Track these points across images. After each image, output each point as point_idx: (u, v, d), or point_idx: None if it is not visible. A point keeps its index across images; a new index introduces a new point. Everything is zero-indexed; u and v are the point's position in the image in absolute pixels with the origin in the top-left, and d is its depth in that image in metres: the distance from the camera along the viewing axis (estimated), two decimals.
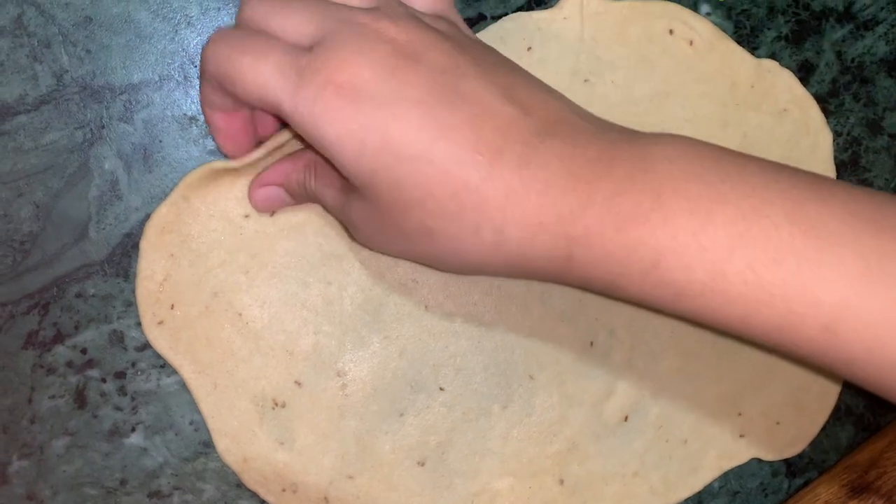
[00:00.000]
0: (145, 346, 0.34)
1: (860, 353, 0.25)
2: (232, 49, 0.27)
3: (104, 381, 0.34)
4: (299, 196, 0.32)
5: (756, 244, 0.25)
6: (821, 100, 0.37)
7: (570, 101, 0.29)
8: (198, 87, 0.34)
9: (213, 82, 0.29)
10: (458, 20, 0.31)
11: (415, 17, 0.28)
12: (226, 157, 0.33)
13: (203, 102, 0.31)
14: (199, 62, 0.34)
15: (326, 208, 0.32)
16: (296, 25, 0.27)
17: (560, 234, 0.26)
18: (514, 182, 0.26)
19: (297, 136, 0.32)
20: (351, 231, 0.31)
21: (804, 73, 0.37)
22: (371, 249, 0.33)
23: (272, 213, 0.33)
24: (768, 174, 0.26)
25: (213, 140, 0.32)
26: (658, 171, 0.26)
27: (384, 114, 0.26)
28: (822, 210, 0.25)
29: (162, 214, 0.33)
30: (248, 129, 0.31)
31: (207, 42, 0.29)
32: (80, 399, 0.34)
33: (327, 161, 0.29)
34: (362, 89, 0.26)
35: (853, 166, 0.37)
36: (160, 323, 0.33)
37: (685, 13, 0.35)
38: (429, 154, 0.26)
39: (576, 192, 0.26)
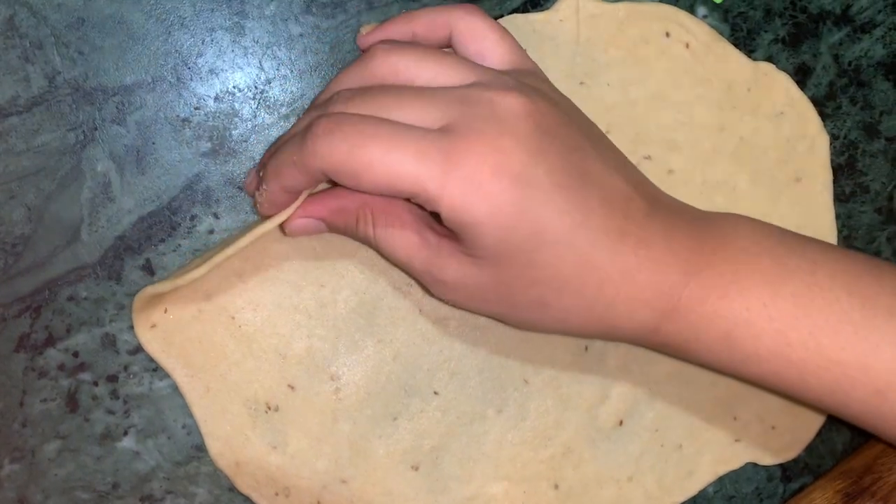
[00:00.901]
0: (137, 349, 0.33)
1: None
2: (354, 143, 0.26)
3: (96, 384, 0.33)
4: (340, 232, 0.31)
5: (819, 314, 0.28)
6: (818, 103, 0.36)
7: (640, 171, 0.31)
8: (191, 89, 0.33)
9: (320, 176, 0.27)
10: (534, 66, 0.31)
11: (523, 84, 0.28)
12: (257, 215, 0.31)
13: (280, 188, 0.28)
14: (194, 63, 0.34)
15: (387, 256, 0.30)
16: (416, 110, 0.27)
17: (657, 309, 0.28)
18: (631, 262, 0.28)
19: None
20: (431, 285, 0.30)
21: (801, 76, 0.37)
22: (451, 304, 0.32)
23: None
24: (828, 253, 0.29)
25: (256, 207, 0.30)
26: (736, 248, 0.29)
27: (539, 201, 0.26)
28: (875, 286, 0.28)
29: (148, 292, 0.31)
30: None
31: (313, 137, 0.26)
32: (72, 403, 0.33)
33: (405, 217, 0.29)
34: (518, 172, 0.26)
35: (850, 170, 0.37)
36: (153, 326, 0.33)
37: (681, 15, 0.35)
38: (570, 239, 0.27)
39: (676, 270, 0.28)
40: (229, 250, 0.30)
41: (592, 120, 0.34)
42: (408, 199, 0.27)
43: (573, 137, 0.28)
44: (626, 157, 0.31)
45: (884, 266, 0.30)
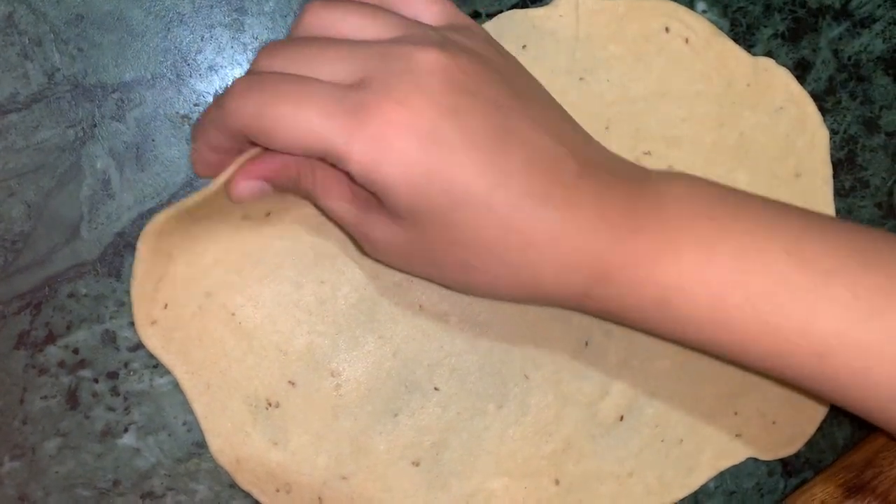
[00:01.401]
0: (138, 346, 0.33)
1: (849, 381, 0.27)
2: (263, 101, 0.26)
3: (96, 381, 0.33)
4: (286, 191, 0.30)
5: (755, 277, 0.27)
6: (817, 98, 0.36)
7: (586, 133, 0.30)
8: (190, 85, 0.33)
9: (238, 135, 0.27)
10: (471, 23, 0.30)
11: (449, 40, 0.27)
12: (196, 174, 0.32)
13: (206, 146, 0.29)
14: (194, 59, 0.34)
15: (326, 212, 0.30)
16: (333, 64, 0.26)
17: (586, 274, 0.28)
18: (557, 225, 0.27)
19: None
20: (362, 244, 0.30)
21: (801, 71, 0.37)
22: (383, 264, 0.32)
23: (268, 214, 0.33)
24: (770, 211, 0.28)
25: (192, 165, 0.31)
26: (670, 211, 0.28)
27: (449, 160, 0.25)
28: (817, 247, 0.27)
29: (161, 216, 0.32)
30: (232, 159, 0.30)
31: (228, 95, 0.27)
32: (73, 399, 0.33)
33: (340, 173, 0.28)
34: (427, 131, 0.25)
35: (850, 164, 0.37)
36: (153, 323, 0.33)
37: (681, 11, 0.35)
38: (487, 201, 0.26)
39: (605, 234, 0.27)
40: (179, 205, 0.30)
41: (592, 116, 0.34)
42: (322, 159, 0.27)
43: (497, 95, 0.27)
44: (565, 118, 0.29)
45: (832, 225, 0.28)
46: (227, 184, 0.30)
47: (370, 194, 0.28)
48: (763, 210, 0.28)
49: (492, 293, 0.30)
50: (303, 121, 0.25)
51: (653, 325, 0.29)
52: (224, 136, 0.28)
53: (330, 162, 0.26)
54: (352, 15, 0.28)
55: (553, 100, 0.30)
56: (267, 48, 0.28)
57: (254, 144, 0.28)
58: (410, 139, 0.25)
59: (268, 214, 0.33)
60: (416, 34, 0.27)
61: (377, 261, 0.31)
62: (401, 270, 0.32)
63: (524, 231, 0.27)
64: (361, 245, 0.30)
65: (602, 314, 0.30)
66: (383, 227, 0.28)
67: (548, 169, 0.27)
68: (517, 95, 0.27)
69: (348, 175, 0.26)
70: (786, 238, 0.27)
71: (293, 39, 0.28)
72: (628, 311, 0.28)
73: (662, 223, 0.27)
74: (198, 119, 0.30)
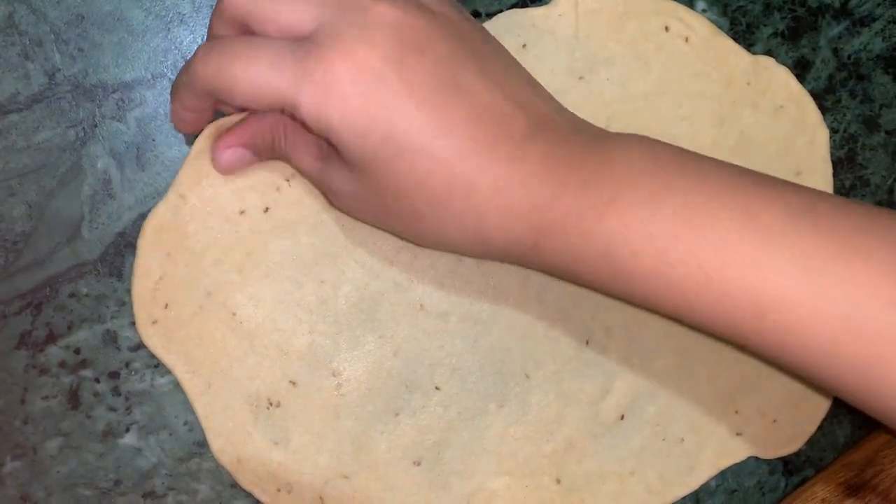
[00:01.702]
0: (139, 345, 0.33)
1: (787, 340, 0.27)
2: (220, 60, 0.27)
3: (98, 381, 0.33)
4: (265, 156, 0.32)
5: (699, 232, 0.27)
6: (817, 97, 0.36)
7: (551, 97, 0.30)
8: None
9: (205, 95, 0.29)
10: None
11: None
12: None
13: (180, 106, 0.30)
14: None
15: (298, 170, 0.32)
16: (289, 13, 0.27)
17: (531, 224, 0.28)
18: (501, 175, 0.28)
19: None
20: (327, 195, 0.31)
21: (800, 70, 0.37)
22: (347, 215, 0.33)
23: (266, 210, 0.33)
24: (721, 171, 0.28)
25: (173, 123, 0.31)
26: (618, 168, 0.28)
27: (390, 107, 0.27)
28: (763, 206, 0.27)
29: (160, 213, 0.33)
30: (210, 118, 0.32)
31: (192, 59, 0.28)
32: (74, 399, 0.33)
33: (302, 125, 0.29)
34: (370, 80, 0.26)
35: (850, 163, 0.37)
36: (154, 322, 0.33)
37: (681, 10, 0.35)
38: (430, 149, 0.27)
39: (549, 186, 0.28)
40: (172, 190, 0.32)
41: (592, 115, 0.34)
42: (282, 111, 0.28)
43: (448, 52, 0.27)
44: (525, 81, 0.30)
45: (781, 187, 0.28)
46: (212, 158, 0.31)
47: (330, 147, 0.29)
48: (715, 170, 0.28)
49: (442, 243, 0.30)
50: (256, 74, 0.27)
51: (601, 280, 0.29)
52: (193, 96, 0.29)
53: (289, 113, 0.28)
54: None
55: (516, 64, 0.30)
56: (222, 4, 0.29)
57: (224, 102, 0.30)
58: (354, 86, 0.26)
59: (266, 210, 0.33)
60: None
61: (341, 211, 0.32)
62: (362, 221, 0.33)
63: (468, 178, 0.27)
64: (327, 197, 0.31)
65: (551, 269, 0.30)
66: (341, 177, 0.29)
67: (495, 123, 0.28)
68: (472, 54, 0.28)
69: (304, 125, 0.28)
70: (733, 196, 0.27)
71: None
72: (575, 265, 0.29)
73: (609, 178, 0.28)
74: (173, 81, 0.31)
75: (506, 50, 0.30)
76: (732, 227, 0.27)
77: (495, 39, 0.30)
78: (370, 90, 0.26)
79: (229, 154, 0.31)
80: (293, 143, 0.31)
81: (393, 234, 0.33)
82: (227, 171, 0.32)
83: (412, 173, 0.27)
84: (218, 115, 0.34)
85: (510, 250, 0.29)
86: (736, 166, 0.29)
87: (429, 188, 0.28)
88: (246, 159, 0.32)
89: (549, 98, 0.30)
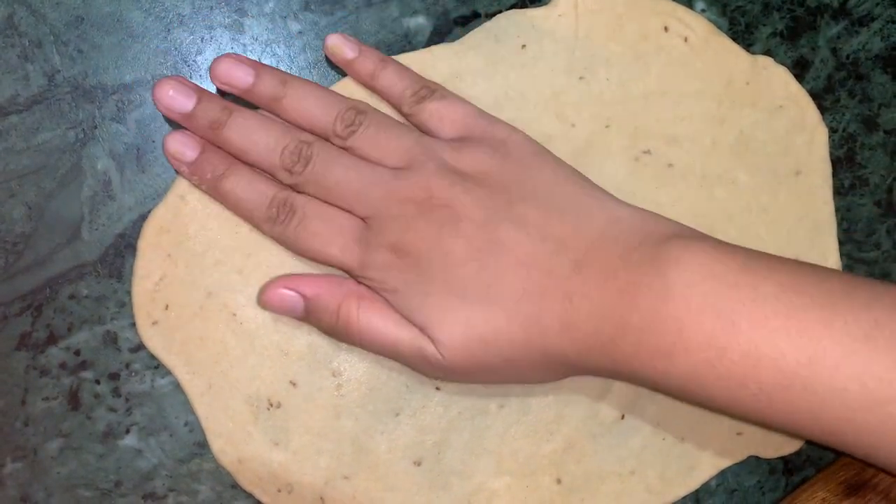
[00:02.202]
0: (139, 347, 0.33)
1: (869, 435, 0.27)
2: (299, 231, 0.31)
3: (98, 382, 0.33)
4: (315, 318, 0.32)
5: (770, 366, 0.27)
6: (816, 96, 0.37)
7: (605, 207, 0.31)
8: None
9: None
10: (487, 125, 0.32)
11: (446, 167, 0.30)
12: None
13: (225, 201, 0.32)
14: (194, 61, 0.34)
15: (375, 342, 0.31)
16: (348, 195, 0.31)
17: (606, 355, 0.29)
18: (563, 317, 0.29)
19: None
20: (420, 366, 0.32)
21: (800, 70, 0.37)
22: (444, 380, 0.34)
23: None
24: (782, 287, 0.27)
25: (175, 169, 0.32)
26: (678, 301, 0.28)
27: (429, 289, 0.30)
28: (824, 331, 0.26)
29: (160, 214, 0.33)
30: None
31: (272, 222, 0.32)
32: (74, 401, 0.33)
33: (383, 304, 0.31)
34: (411, 267, 0.30)
35: (849, 163, 0.37)
36: (154, 323, 0.33)
37: (680, 10, 0.35)
38: (488, 313, 0.29)
39: (612, 324, 0.28)
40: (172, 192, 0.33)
41: (592, 115, 0.34)
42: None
43: (484, 214, 0.30)
44: (573, 200, 0.31)
45: (844, 301, 0.27)
46: (263, 288, 0.32)
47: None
48: (774, 295, 0.27)
49: (536, 383, 0.33)
50: (328, 254, 0.31)
51: (682, 399, 0.30)
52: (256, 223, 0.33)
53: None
54: (375, 130, 0.32)
55: (566, 184, 0.31)
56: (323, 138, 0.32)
57: None
58: (399, 272, 0.30)
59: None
60: (421, 168, 0.30)
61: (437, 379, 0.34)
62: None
63: (542, 336, 0.29)
64: (420, 368, 0.32)
65: (639, 385, 0.31)
66: (430, 368, 0.31)
67: (542, 267, 0.29)
68: (507, 205, 0.30)
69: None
70: (795, 328, 0.27)
71: (352, 122, 0.32)
72: (657, 387, 0.30)
73: (669, 320, 0.28)
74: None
75: (556, 166, 0.32)
76: (796, 365, 0.26)
77: (543, 156, 0.32)
78: (409, 277, 0.30)
79: (282, 295, 0.32)
80: (370, 313, 0.31)
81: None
82: (268, 307, 0.32)
83: (485, 351, 0.30)
84: None
85: (598, 373, 0.31)
86: (792, 274, 0.28)
87: (505, 357, 0.30)
88: (295, 309, 0.32)
89: (600, 211, 0.31)
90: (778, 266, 0.28)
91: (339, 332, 0.32)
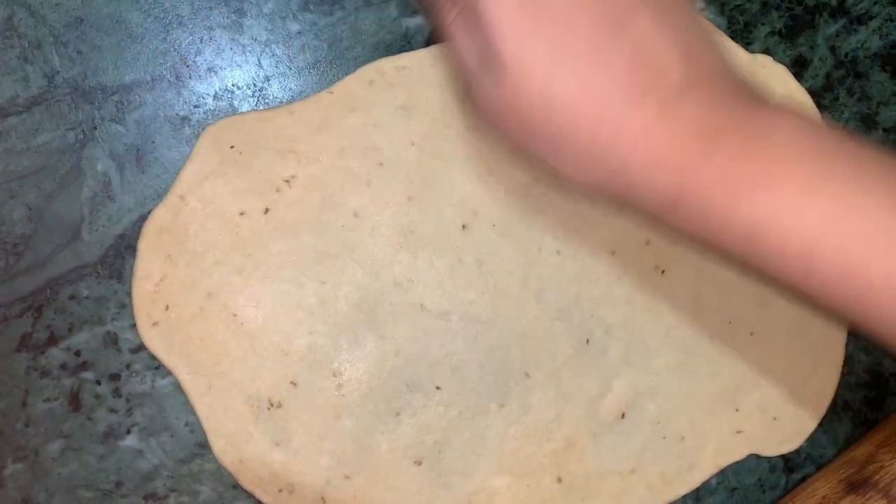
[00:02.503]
0: (139, 347, 0.33)
1: None
2: None
3: (98, 383, 0.33)
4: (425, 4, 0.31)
5: (852, 223, 0.26)
6: (815, 94, 0.37)
7: (721, 56, 0.30)
8: (190, 87, 0.33)
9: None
10: None
11: None
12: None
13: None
14: (193, 61, 0.34)
15: (454, 52, 0.31)
16: None
17: (675, 183, 0.28)
18: (650, 124, 0.27)
19: None
20: (470, 98, 0.31)
21: (798, 68, 0.37)
22: (485, 125, 0.32)
23: (266, 211, 0.33)
24: (880, 160, 0.28)
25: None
26: (776, 143, 0.27)
27: (552, 29, 0.27)
28: None
29: (160, 215, 0.33)
30: None
31: None
32: (75, 401, 0.33)
33: (481, 26, 0.29)
34: (543, 8, 0.27)
35: None
36: (155, 324, 0.33)
37: None
38: (583, 79, 0.27)
39: (699, 148, 0.27)
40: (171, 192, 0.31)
41: None
42: None
43: None
44: (696, 31, 0.29)
45: None
46: None
47: (490, 49, 0.29)
48: (875, 164, 0.28)
49: (581, 176, 0.30)
50: None
51: (734, 253, 0.29)
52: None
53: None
54: None
55: (693, 18, 0.30)
56: None
57: None
58: (526, 14, 0.27)
59: (266, 211, 0.33)
60: None
61: (480, 120, 0.32)
62: (500, 137, 0.32)
63: (616, 119, 0.27)
64: (470, 94, 0.31)
65: (685, 232, 0.30)
66: (493, 80, 0.29)
67: (653, 70, 0.27)
68: (646, 3, 0.28)
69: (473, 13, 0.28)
70: (891, 188, 0.27)
71: None
72: (712, 234, 0.28)
73: (765, 152, 0.27)
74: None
75: (687, 2, 0.30)
76: (889, 219, 0.26)
77: None
78: (535, 10, 0.27)
79: None
80: (459, 25, 0.30)
81: (531, 158, 0.32)
82: None
83: (563, 97, 0.27)
84: (220, 115, 0.34)
85: (647, 205, 0.29)
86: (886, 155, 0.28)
87: (576, 117, 0.28)
88: None
89: (718, 56, 0.29)
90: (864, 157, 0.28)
91: (440, 31, 0.31)
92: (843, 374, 0.37)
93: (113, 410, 0.34)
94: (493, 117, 0.30)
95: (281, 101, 0.34)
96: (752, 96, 0.29)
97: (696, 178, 0.27)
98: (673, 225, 0.30)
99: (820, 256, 0.27)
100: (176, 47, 0.34)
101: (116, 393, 0.34)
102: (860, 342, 0.38)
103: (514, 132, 0.30)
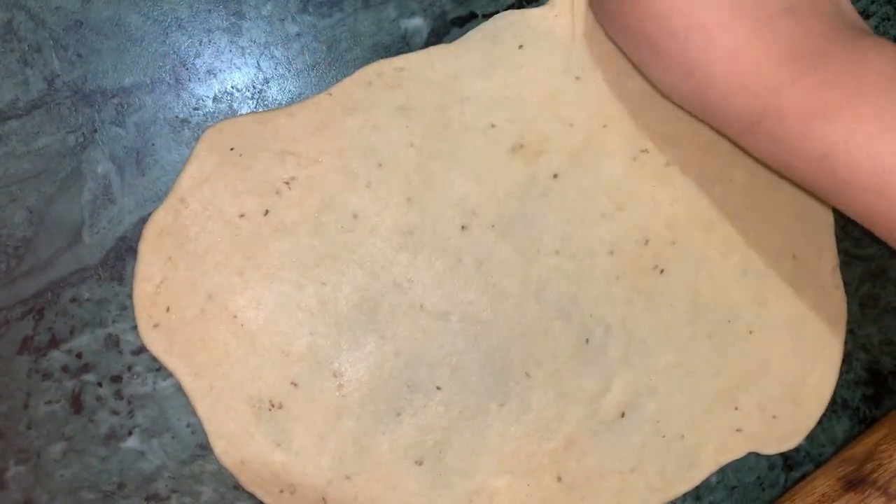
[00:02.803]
0: (141, 349, 0.33)
1: None
2: None
3: (100, 385, 0.34)
4: None
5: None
6: None
7: None
8: (189, 89, 0.34)
9: None
10: None
11: None
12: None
13: None
14: (192, 64, 0.34)
15: None
16: None
17: (757, 104, 0.28)
18: (741, 41, 0.28)
19: None
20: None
21: None
22: (596, 15, 0.34)
23: (266, 213, 0.33)
24: None
25: None
26: (866, 76, 0.27)
27: None
28: None
29: (160, 217, 0.33)
30: None
31: None
32: (77, 404, 0.33)
33: None
34: None
35: None
36: (156, 326, 0.33)
37: None
38: None
39: (787, 71, 0.27)
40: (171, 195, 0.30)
41: (590, 115, 0.34)
42: None
43: None
44: None
45: None
46: None
47: None
48: None
49: (667, 88, 0.31)
50: None
51: (806, 179, 0.29)
52: None
53: None
54: None
55: None
56: None
57: None
58: None
59: (266, 212, 0.33)
60: None
61: (598, 18, 0.34)
62: (604, 22, 0.33)
63: (707, 31, 0.28)
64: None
65: (760, 154, 0.30)
66: None
67: None
68: None
69: None
70: None
71: None
72: (787, 158, 0.29)
73: (851, 83, 0.27)
74: None
75: None
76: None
77: None
78: None
79: None
80: None
81: (629, 59, 0.33)
82: None
83: (661, 4, 0.28)
84: (219, 117, 0.34)
85: (728, 122, 0.29)
86: None
87: (668, 25, 0.28)
88: None
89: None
90: None
91: None
92: (842, 373, 0.37)
93: (114, 412, 0.34)
94: (602, 15, 0.32)
95: (280, 103, 0.34)
96: (851, 25, 0.29)
97: (776, 102, 0.28)
98: (744, 146, 0.30)
99: (890, 192, 0.27)
100: (175, 50, 0.34)
101: (118, 395, 0.34)
102: (859, 340, 0.38)
103: (619, 31, 0.31)
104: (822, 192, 0.29)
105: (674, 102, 0.32)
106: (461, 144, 0.34)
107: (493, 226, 0.34)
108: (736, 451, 0.36)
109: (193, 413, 0.34)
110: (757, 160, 0.35)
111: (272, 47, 0.34)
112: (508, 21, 0.35)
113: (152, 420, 0.34)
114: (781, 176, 0.32)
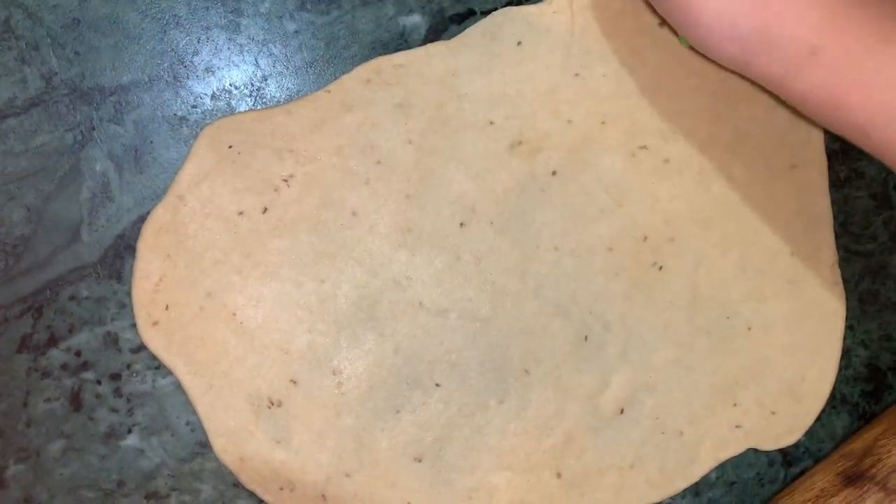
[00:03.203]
0: (140, 347, 0.33)
1: None
2: None
3: (99, 383, 0.34)
4: None
5: None
6: None
7: None
8: (187, 87, 0.34)
9: None
10: None
11: None
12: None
13: None
14: (191, 61, 0.34)
15: None
16: None
17: (811, 38, 0.28)
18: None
19: None
20: None
21: None
22: None
23: (264, 210, 0.33)
24: None
25: None
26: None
27: None
28: None
29: (159, 215, 0.33)
30: None
31: None
32: (76, 402, 0.33)
33: None
34: None
35: (844, 155, 0.37)
36: (155, 324, 0.33)
37: None
38: None
39: (846, 6, 0.28)
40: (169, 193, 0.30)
41: (588, 111, 0.34)
42: None
43: None
44: None
45: None
46: None
47: None
48: None
49: (706, 42, 0.31)
50: None
51: (861, 116, 0.29)
52: None
53: None
54: None
55: None
56: None
57: None
58: None
59: (264, 210, 0.33)
60: None
61: None
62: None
63: None
64: None
65: (811, 93, 0.30)
66: None
67: None
68: None
69: None
70: None
71: None
72: (846, 90, 0.29)
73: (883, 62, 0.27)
74: None
75: None
76: None
77: None
78: None
79: None
80: None
81: (665, 17, 0.33)
82: None
83: None
84: (218, 115, 0.34)
85: (771, 69, 0.30)
86: None
87: None
88: None
89: None
90: None
91: None
92: (841, 368, 0.37)
93: (114, 410, 0.34)
94: None
95: (278, 101, 0.34)
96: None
97: (832, 38, 0.28)
98: (795, 87, 0.30)
99: None
100: (173, 48, 0.34)
101: (117, 393, 0.34)
102: (857, 336, 0.38)
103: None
104: (874, 125, 0.29)
105: (710, 58, 0.32)
106: (460, 141, 0.34)
107: (491, 223, 0.34)
108: (735, 447, 0.36)
109: (193, 411, 0.34)
110: (793, 111, 0.35)
111: (270, 45, 0.34)
112: (507, 18, 0.35)
113: (152, 418, 0.34)
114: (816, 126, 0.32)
